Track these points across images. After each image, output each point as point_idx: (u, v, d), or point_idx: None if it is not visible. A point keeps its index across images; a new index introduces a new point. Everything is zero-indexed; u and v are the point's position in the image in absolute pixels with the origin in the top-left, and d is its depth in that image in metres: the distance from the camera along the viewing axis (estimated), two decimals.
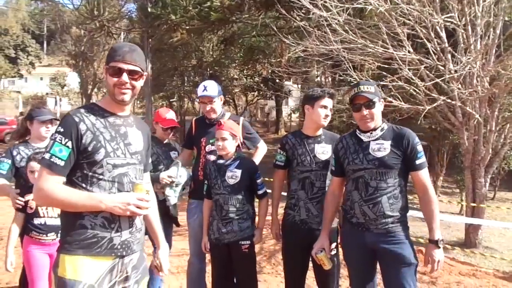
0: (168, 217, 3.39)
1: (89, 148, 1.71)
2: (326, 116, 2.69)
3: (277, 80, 9.82)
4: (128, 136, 1.86)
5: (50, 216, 2.82)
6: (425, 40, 5.56)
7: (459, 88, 5.59)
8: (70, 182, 1.74)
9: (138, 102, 20.65)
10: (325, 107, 2.69)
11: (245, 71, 18.38)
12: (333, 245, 2.60)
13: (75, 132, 1.70)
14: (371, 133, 2.32)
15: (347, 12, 5.72)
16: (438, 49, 5.78)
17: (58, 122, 3.05)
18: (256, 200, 2.97)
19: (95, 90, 27.94)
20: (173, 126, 3.48)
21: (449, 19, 5.51)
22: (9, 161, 2.96)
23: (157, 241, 2.12)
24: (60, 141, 1.68)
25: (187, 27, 9.70)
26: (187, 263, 3.35)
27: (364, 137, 2.34)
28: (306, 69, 8.79)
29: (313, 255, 2.47)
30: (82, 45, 16.16)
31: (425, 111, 5.53)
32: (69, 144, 1.69)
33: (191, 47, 14.30)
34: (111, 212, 1.72)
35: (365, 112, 2.28)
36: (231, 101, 22.06)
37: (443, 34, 5.90)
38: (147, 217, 2.05)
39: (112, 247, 1.76)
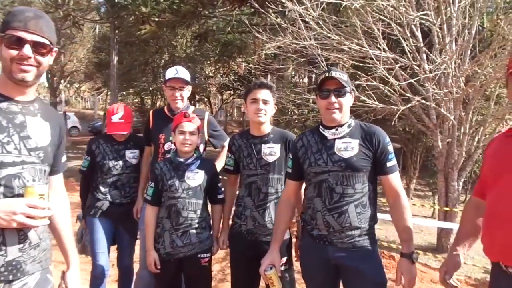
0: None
1: None
2: (258, 110, 2.35)
3: (253, 79, 9.54)
4: (27, 127, 1.45)
5: None
6: (400, 38, 5.38)
7: (433, 89, 5.44)
8: None
9: (110, 99, 19.95)
10: (255, 100, 2.36)
11: (220, 69, 17.99)
12: (284, 259, 2.29)
13: None
14: (337, 130, 1.98)
15: (321, 8, 5.51)
16: (413, 48, 5.63)
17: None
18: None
19: (66, 84, 26.91)
20: (119, 132, 2.96)
21: (424, 17, 5.35)
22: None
23: (66, 259, 1.71)
24: None
25: (157, 20, 9.28)
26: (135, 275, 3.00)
27: (328, 134, 2.00)
28: (280, 67, 8.52)
29: (261, 272, 2.11)
30: None
31: (399, 111, 5.34)
32: None
33: (163, 41, 13.82)
34: None
35: (334, 99, 1.94)
36: (206, 99, 21.62)
37: (418, 33, 5.75)
38: (55, 226, 1.65)
39: None
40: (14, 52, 1.38)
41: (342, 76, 1.97)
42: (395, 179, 1.98)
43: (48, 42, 1.44)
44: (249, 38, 10.34)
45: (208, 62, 16.50)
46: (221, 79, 18.54)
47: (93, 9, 12.56)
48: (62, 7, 9.49)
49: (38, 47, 1.41)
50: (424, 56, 5.71)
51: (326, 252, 1.97)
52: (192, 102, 23.40)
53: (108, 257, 3.01)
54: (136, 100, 20.68)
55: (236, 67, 16.38)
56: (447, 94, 5.38)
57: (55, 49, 1.51)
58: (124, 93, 21.87)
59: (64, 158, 1.74)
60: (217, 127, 3.03)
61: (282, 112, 10.93)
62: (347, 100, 2.00)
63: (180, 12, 9.23)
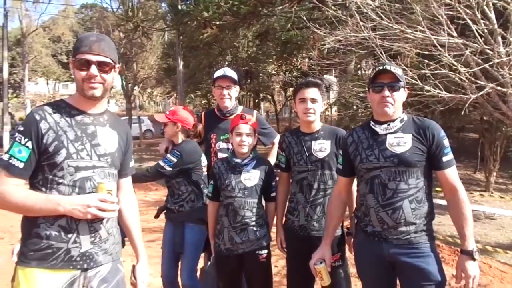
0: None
1: (50, 149, 1.59)
2: (307, 109, 2.40)
3: (317, 74, 9.43)
4: (97, 136, 1.69)
5: None
6: (469, 22, 5.00)
7: (510, 74, 4.99)
8: (32, 186, 1.61)
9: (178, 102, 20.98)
10: (303, 100, 2.40)
11: (283, 67, 18.05)
12: (338, 255, 2.29)
13: (35, 131, 1.58)
14: (389, 125, 1.96)
15: None
16: (486, 31, 5.20)
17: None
18: None
19: (139, 90, 28.73)
20: (163, 122, 2.91)
21: None
22: None
23: (136, 253, 1.92)
24: (19, 141, 1.57)
25: (219, 23, 9.58)
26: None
27: (379, 129, 1.98)
28: (341, 60, 8.35)
29: (310, 265, 2.16)
30: (122, 47, 16.65)
31: (470, 100, 4.98)
32: (29, 144, 1.58)
33: (225, 43, 14.23)
34: (70, 215, 1.57)
35: (387, 93, 1.92)
36: (269, 97, 21.82)
37: (491, 15, 5.31)
38: (125, 223, 1.88)
39: (70, 259, 1.60)
40: (84, 73, 1.63)
41: (396, 70, 1.94)
42: (452, 174, 1.92)
43: (110, 61, 1.66)
44: (308, 34, 10.25)
45: (270, 60, 16.65)
46: (284, 76, 18.61)
47: (160, 18, 13.27)
48: (132, 19, 10.21)
49: (102, 66, 1.64)
50: (499, 38, 5.25)
51: (380, 248, 1.95)
52: (257, 100, 23.79)
53: (171, 266, 2.97)
54: (204, 102, 21.52)
55: (299, 64, 16.35)
56: None
57: (117, 65, 1.72)
58: (192, 95, 22.85)
59: (132, 163, 1.94)
60: (266, 125, 3.11)
61: (346, 106, 10.71)
62: (401, 95, 1.97)
63: (240, 13, 9.44)
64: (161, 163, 2.80)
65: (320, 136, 2.47)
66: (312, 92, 2.41)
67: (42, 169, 1.60)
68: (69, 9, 37.37)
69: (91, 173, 1.65)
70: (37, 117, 1.60)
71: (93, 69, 1.62)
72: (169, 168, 2.78)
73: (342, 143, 2.20)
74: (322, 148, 2.44)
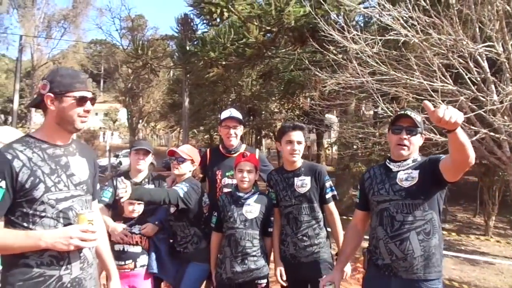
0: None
1: (27, 186, 1.61)
2: (293, 151, 2.66)
3: (318, 113, 9.71)
4: (70, 166, 1.76)
5: (129, 243, 2.83)
6: (462, 70, 5.26)
7: (504, 120, 5.18)
8: (10, 223, 1.64)
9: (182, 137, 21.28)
10: (290, 142, 2.67)
11: (285, 105, 18.44)
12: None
13: (8, 171, 1.59)
14: (402, 163, 2.14)
15: (379, 45, 5.60)
16: (479, 79, 5.44)
17: (150, 155, 3.08)
18: None
19: (144, 123, 29.16)
20: (174, 156, 2.93)
21: (488, 48, 5.20)
22: (111, 190, 3.00)
23: (107, 272, 2.04)
24: None
25: (225, 63, 9.96)
26: None
27: (393, 167, 2.18)
28: (342, 102, 8.62)
29: (320, 286, 2.32)
30: (129, 83, 17.16)
31: None
32: (3, 184, 1.58)
33: (230, 82, 14.69)
34: (53, 249, 1.61)
35: (405, 135, 2.10)
36: (271, 134, 22.12)
37: (484, 64, 5.57)
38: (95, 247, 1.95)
39: (62, 286, 1.65)
40: (81, 108, 1.73)
41: (416, 116, 2.11)
42: None
43: (93, 96, 1.80)
44: (310, 75, 10.62)
45: (273, 98, 17.08)
46: (286, 114, 18.97)
47: (168, 56, 13.77)
48: (142, 57, 10.64)
49: (92, 101, 1.77)
50: (493, 86, 5.48)
51: (389, 285, 2.05)
52: (259, 137, 24.10)
53: None
54: (206, 137, 21.79)
55: (300, 103, 16.72)
56: None
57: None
58: (195, 130, 23.19)
59: (98, 186, 2.04)
60: (266, 163, 3.32)
61: (346, 146, 10.91)
62: (417, 140, 2.14)
63: (245, 55, 9.82)
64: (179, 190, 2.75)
65: (302, 173, 2.73)
66: (297, 135, 2.69)
67: (19, 205, 1.61)
68: (79, 45, 38.66)
69: (71, 203, 1.71)
70: (9, 157, 1.60)
71: (89, 105, 1.74)
72: (182, 195, 2.73)
73: (360, 179, 2.40)
74: (303, 183, 2.69)
